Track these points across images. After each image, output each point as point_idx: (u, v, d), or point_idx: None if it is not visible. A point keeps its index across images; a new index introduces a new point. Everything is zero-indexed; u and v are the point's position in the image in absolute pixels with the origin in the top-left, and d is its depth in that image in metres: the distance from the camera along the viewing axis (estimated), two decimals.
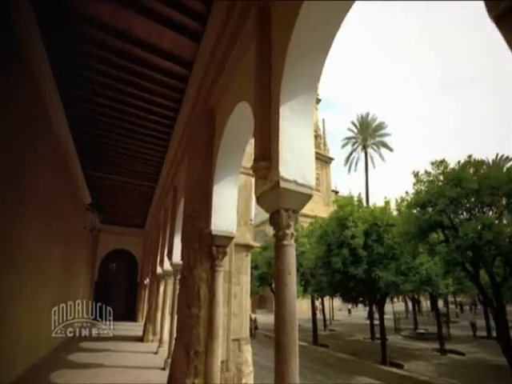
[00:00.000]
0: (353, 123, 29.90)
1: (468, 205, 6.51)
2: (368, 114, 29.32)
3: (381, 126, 28.68)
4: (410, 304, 23.90)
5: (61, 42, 4.07)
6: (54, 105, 5.28)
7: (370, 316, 12.95)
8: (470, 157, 6.84)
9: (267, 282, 15.73)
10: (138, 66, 4.31)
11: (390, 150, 28.60)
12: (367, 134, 28.58)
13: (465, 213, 6.75)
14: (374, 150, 28.76)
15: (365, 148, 28.46)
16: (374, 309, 13.91)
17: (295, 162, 2.06)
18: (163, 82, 4.65)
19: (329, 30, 2.09)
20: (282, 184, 1.96)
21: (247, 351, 4.05)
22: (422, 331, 13.62)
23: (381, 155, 28.64)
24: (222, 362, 3.51)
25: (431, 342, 11.57)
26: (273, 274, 15.10)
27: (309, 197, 2.09)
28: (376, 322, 12.89)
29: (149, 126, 5.86)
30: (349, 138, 29.98)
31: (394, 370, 7.66)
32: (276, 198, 2.02)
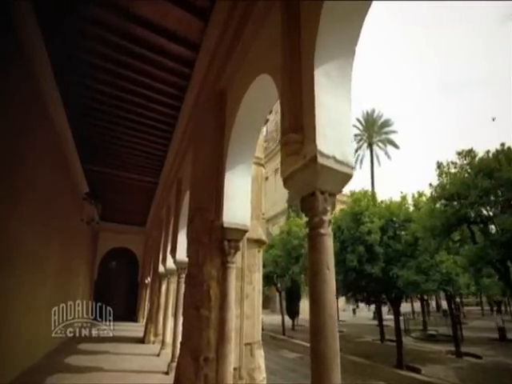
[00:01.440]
0: (358, 120, 29.33)
1: (502, 197, 5.98)
2: (374, 111, 28.79)
3: (387, 123, 28.17)
4: (414, 305, 23.56)
5: (59, 26, 3.79)
6: (53, 101, 5.12)
7: (379, 317, 12.54)
8: (502, 145, 6.32)
9: (273, 282, 15.39)
10: (140, 47, 3.96)
11: (397, 147, 28.14)
12: (373, 131, 28.06)
13: (495, 206, 6.25)
14: (380, 148, 28.26)
15: (370, 145, 27.97)
16: (388, 309, 13.51)
17: (335, 136, 1.71)
18: (167, 65, 4.31)
19: None
20: (320, 160, 1.61)
21: (260, 356, 3.72)
22: (433, 333, 13.20)
23: (387, 153, 28.18)
24: (235, 369, 3.17)
25: (443, 343, 11.16)
26: (279, 273, 14.82)
27: (349, 177, 1.74)
28: (385, 322, 12.52)
29: (150, 116, 5.52)
30: (354, 135, 29.47)
31: (413, 374, 7.23)
32: (311, 178, 1.67)
